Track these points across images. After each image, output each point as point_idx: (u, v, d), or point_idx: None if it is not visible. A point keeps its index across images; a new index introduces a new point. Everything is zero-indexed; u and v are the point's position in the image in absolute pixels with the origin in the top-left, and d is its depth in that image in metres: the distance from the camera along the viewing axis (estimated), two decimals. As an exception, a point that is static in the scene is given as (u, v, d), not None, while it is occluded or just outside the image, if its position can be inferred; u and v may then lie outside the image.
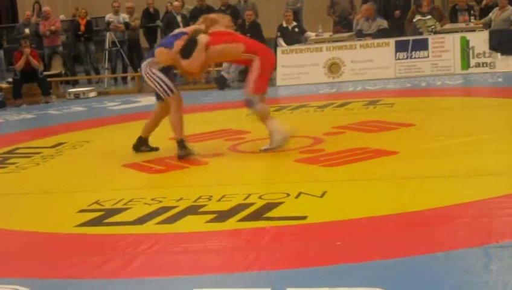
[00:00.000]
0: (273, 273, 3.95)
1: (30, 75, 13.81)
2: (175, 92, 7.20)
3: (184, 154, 7.08)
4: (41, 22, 16.35)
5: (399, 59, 13.10)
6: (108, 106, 12.49)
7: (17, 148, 8.69)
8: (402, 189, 5.42)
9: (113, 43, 15.91)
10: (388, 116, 8.66)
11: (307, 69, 13.46)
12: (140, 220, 5.11)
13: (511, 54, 12.66)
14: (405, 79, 12.62)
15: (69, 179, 6.81)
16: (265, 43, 14.98)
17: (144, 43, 16.51)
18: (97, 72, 16.61)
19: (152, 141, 7.68)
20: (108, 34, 15.99)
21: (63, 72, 16.02)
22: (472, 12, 14.48)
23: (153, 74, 7.17)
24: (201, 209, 5.26)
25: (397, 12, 15.10)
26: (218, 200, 5.45)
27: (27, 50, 13.75)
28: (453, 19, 14.62)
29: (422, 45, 13.03)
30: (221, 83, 13.63)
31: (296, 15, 15.72)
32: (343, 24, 15.49)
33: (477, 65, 12.75)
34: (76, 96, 14.29)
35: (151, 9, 16.47)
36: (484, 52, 12.73)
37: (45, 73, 14.46)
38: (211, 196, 5.56)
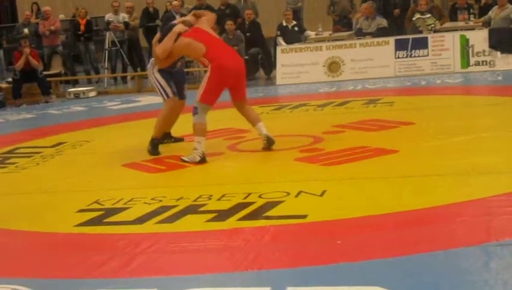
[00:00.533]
0: (273, 272, 3.95)
1: (30, 75, 13.81)
2: (171, 97, 7.52)
3: (152, 152, 7.35)
4: (41, 21, 16.35)
5: (399, 58, 13.09)
6: (108, 105, 12.48)
7: (17, 148, 8.68)
8: (402, 188, 5.41)
9: (113, 42, 15.91)
10: (388, 115, 8.66)
11: (306, 68, 13.44)
12: (140, 220, 5.11)
13: (511, 52, 12.65)
14: (405, 78, 12.61)
15: (68, 179, 6.81)
16: (265, 42, 15.10)
17: (143, 42, 16.50)
18: (97, 72, 16.61)
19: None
20: (108, 33, 15.98)
21: (63, 71, 16.01)
22: (471, 10, 14.50)
23: (154, 76, 7.53)
24: (201, 209, 5.25)
25: (397, 11, 15.13)
26: (218, 199, 5.44)
27: (27, 50, 13.74)
28: (453, 17, 14.62)
29: (422, 44, 13.01)
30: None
31: (296, 14, 15.74)
32: (343, 23, 15.50)
33: (477, 63, 12.74)
34: (76, 96, 14.27)
35: (150, 9, 16.48)
36: (484, 51, 12.71)
37: (45, 73, 14.46)
38: (211, 195, 5.55)
